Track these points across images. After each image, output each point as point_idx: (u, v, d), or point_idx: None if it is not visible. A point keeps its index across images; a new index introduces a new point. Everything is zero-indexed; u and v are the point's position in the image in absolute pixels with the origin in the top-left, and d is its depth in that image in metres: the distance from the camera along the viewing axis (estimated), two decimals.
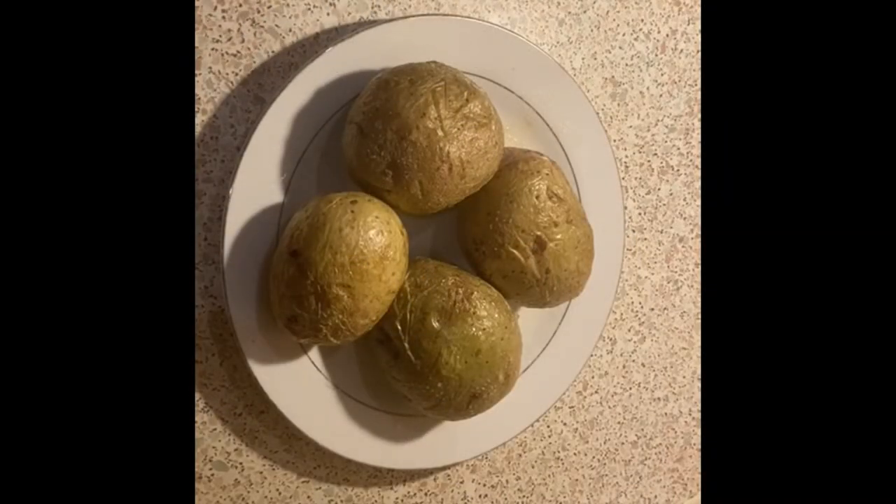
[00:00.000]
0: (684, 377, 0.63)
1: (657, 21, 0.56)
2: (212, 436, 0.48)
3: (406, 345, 0.44)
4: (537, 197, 0.45)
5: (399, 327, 0.44)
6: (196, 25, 0.44)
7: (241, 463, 0.49)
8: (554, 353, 0.53)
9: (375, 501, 0.53)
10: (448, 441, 0.52)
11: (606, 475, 0.61)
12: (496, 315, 0.45)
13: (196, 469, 0.48)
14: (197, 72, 0.45)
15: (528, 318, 0.52)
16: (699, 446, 0.65)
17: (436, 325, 0.44)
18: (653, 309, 0.61)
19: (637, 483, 0.63)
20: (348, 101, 0.45)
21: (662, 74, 0.57)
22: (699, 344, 0.63)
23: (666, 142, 0.59)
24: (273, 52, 0.46)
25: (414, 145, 0.41)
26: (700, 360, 0.63)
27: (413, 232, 0.45)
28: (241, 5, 0.45)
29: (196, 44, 0.44)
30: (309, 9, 0.46)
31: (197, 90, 0.45)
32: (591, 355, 0.57)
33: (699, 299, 0.62)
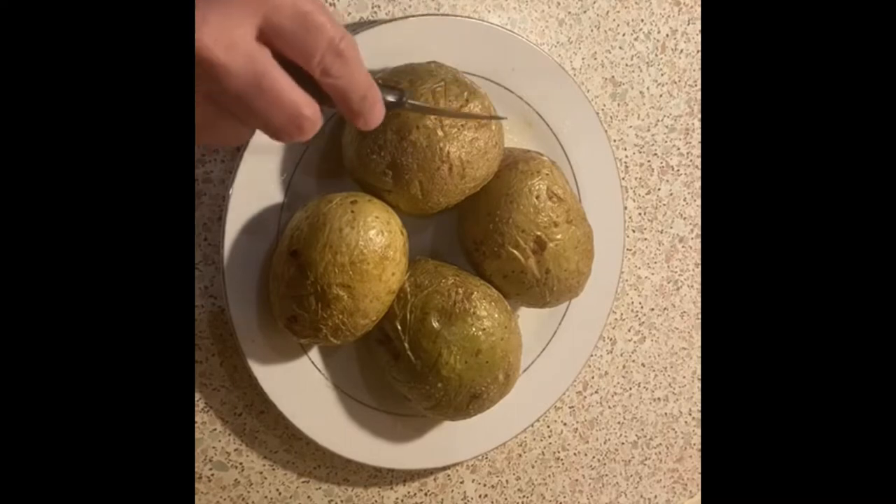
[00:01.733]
0: (684, 377, 0.63)
1: (657, 21, 0.56)
2: (212, 436, 0.48)
3: (406, 345, 0.44)
4: (537, 197, 0.45)
5: (399, 327, 0.44)
6: None
7: (241, 463, 0.49)
8: (554, 353, 0.53)
9: (375, 501, 0.53)
10: (448, 441, 0.52)
11: (606, 475, 0.61)
12: (496, 315, 0.45)
13: (196, 469, 0.48)
14: None
15: (528, 318, 0.52)
16: (699, 446, 0.65)
17: (436, 325, 0.44)
18: (653, 309, 0.61)
19: (637, 483, 0.63)
20: None
21: (662, 74, 0.57)
22: (699, 344, 0.63)
23: (666, 142, 0.59)
24: None
25: (414, 145, 0.41)
26: (700, 360, 0.63)
27: (413, 232, 0.45)
28: None
29: None
30: None
31: None
32: (591, 355, 0.57)
33: (699, 299, 0.62)
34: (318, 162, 0.46)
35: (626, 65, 0.56)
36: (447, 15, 0.49)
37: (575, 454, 0.60)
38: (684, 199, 0.60)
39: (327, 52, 0.30)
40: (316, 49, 0.30)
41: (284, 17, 0.29)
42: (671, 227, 0.60)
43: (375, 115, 0.34)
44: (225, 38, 0.27)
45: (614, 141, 0.57)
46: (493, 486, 0.57)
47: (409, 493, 0.54)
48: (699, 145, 0.60)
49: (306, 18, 0.29)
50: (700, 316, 0.63)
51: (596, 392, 0.60)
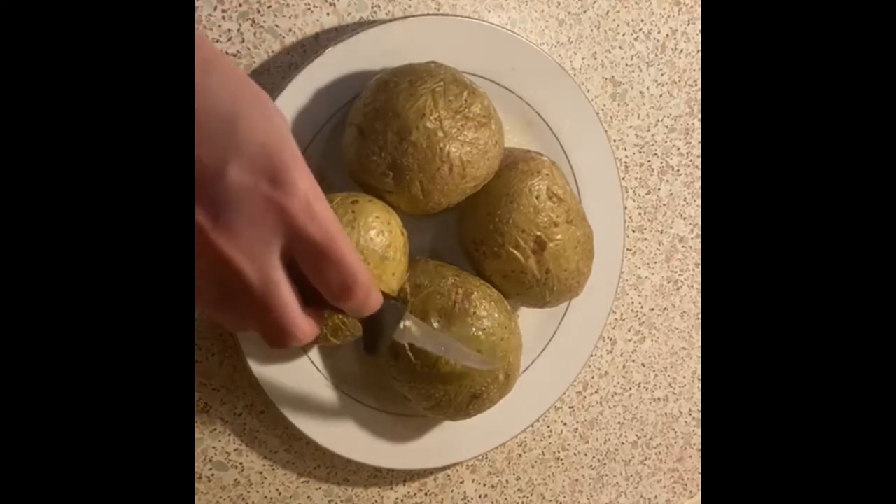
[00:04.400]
0: (684, 377, 0.63)
1: (657, 21, 0.56)
2: (212, 436, 0.48)
3: (406, 345, 0.44)
4: (537, 197, 0.45)
5: None
6: (196, 25, 0.44)
7: (241, 463, 0.49)
8: (554, 353, 0.53)
9: (375, 501, 0.53)
10: (448, 441, 0.52)
11: (606, 475, 0.61)
12: (496, 315, 0.45)
13: (196, 469, 0.48)
14: None
15: (528, 318, 0.52)
16: (699, 446, 0.65)
17: (436, 325, 0.44)
18: (653, 309, 0.61)
19: (637, 483, 0.63)
20: (348, 102, 0.45)
21: (662, 74, 0.57)
22: (699, 344, 0.63)
23: (666, 142, 0.59)
24: (273, 52, 0.46)
25: (414, 146, 0.41)
26: (700, 360, 0.63)
27: (413, 232, 0.45)
28: (241, 5, 0.45)
29: None
30: (309, 9, 0.46)
31: None
32: (591, 355, 0.57)
33: (699, 299, 0.62)
34: (318, 162, 0.46)
35: (626, 65, 0.56)
36: (447, 15, 0.49)
37: (575, 454, 0.60)
38: (684, 199, 0.60)
39: (337, 290, 0.33)
40: (327, 285, 0.33)
41: (303, 248, 0.32)
42: (671, 227, 0.60)
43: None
44: (249, 251, 0.30)
45: (614, 141, 0.57)
46: (493, 486, 0.57)
47: (409, 493, 0.54)
48: (699, 145, 0.60)
49: (321, 257, 0.32)
50: (700, 316, 0.63)
51: (596, 392, 0.60)
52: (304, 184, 0.31)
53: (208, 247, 0.30)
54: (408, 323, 0.41)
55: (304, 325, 0.33)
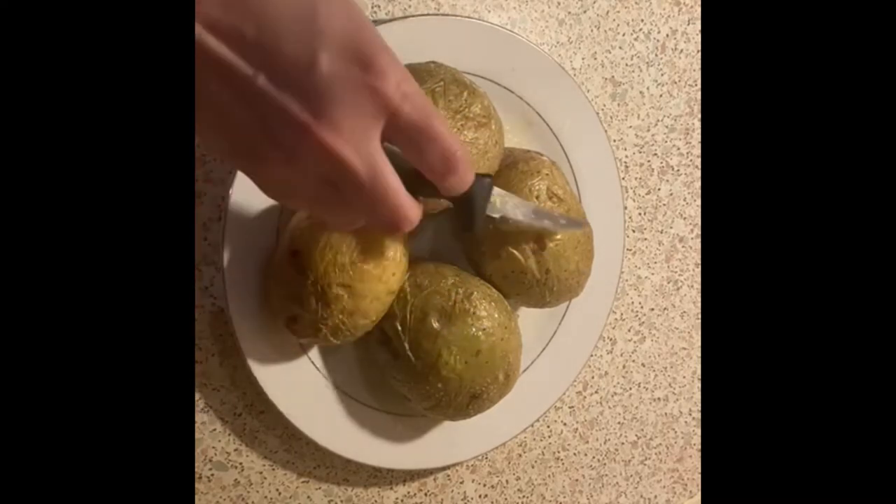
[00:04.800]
0: (684, 377, 0.63)
1: (657, 21, 0.56)
2: (212, 436, 0.48)
3: (406, 345, 0.44)
4: (537, 197, 0.45)
5: (399, 328, 0.44)
6: None
7: (241, 463, 0.49)
8: (554, 353, 0.53)
9: (375, 501, 0.53)
10: (448, 441, 0.52)
11: (606, 475, 0.61)
12: (496, 315, 0.45)
13: (196, 469, 0.48)
14: None
15: (528, 318, 0.52)
16: (699, 446, 0.65)
17: (436, 325, 0.44)
18: (653, 309, 0.61)
19: (637, 483, 0.63)
20: None
21: (662, 74, 0.57)
22: (699, 344, 0.63)
23: (666, 142, 0.59)
24: None
25: None
26: (700, 360, 0.63)
27: (413, 232, 0.45)
28: None
29: None
30: None
31: None
32: (591, 355, 0.57)
33: (699, 299, 0.62)
34: None
35: (626, 65, 0.56)
36: (447, 15, 0.49)
37: (575, 454, 0.60)
38: (684, 199, 0.60)
39: (440, 166, 0.34)
40: (429, 162, 0.34)
41: (402, 130, 0.32)
42: (671, 227, 0.60)
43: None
44: (353, 140, 0.30)
45: (614, 141, 0.57)
46: (493, 486, 0.57)
47: (409, 493, 0.54)
48: (699, 145, 0.60)
49: (420, 135, 0.32)
50: (700, 316, 0.63)
51: (596, 392, 0.60)
52: (393, 66, 0.30)
53: (313, 143, 0.30)
54: (497, 196, 0.41)
55: (413, 206, 0.34)
